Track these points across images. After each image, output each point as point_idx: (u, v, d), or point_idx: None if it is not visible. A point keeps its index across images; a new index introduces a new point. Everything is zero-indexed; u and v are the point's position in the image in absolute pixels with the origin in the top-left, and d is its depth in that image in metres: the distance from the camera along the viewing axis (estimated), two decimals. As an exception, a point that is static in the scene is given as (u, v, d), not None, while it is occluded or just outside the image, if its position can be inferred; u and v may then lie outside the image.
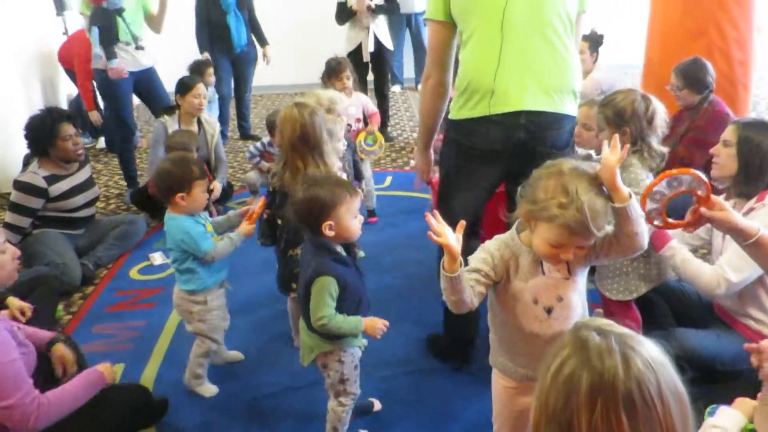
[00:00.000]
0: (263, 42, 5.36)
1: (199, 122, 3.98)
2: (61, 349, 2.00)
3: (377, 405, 2.20)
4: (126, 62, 4.02)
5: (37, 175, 3.15)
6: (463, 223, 1.41)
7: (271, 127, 3.72)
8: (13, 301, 2.21)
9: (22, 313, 2.19)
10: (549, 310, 1.46)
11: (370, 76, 5.20)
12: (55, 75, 5.61)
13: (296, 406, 2.24)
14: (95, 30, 3.89)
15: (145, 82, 4.19)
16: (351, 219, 1.74)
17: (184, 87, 3.88)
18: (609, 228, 1.40)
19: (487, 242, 1.52)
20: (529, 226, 1.41)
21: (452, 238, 1.35)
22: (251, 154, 3.94)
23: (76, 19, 5.70)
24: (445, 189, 2.19)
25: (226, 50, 5.10)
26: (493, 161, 2.01)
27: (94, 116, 5.28)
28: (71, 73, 5.41)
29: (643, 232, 1.39)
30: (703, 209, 1.53)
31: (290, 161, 2.21)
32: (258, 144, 3.96)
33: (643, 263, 2.12)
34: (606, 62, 4.29)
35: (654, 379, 0.79)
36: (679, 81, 3.29)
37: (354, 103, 3.69)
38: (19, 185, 3.15)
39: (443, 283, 1.38)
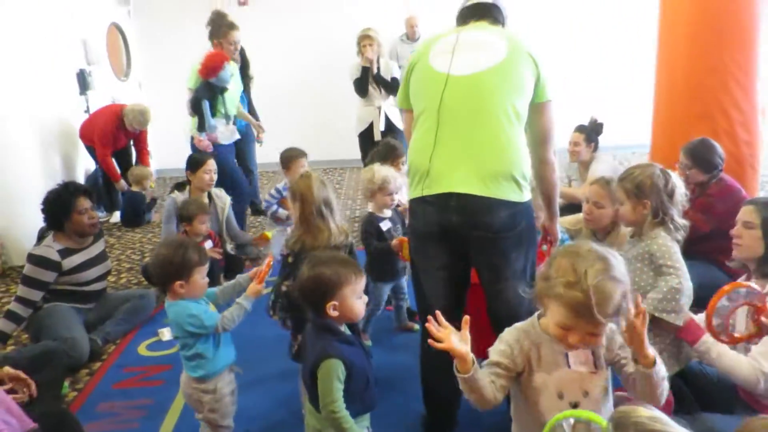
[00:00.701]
0: (257, 118, 5.47)
1: (210, 197, 4.05)
2: None
3: None
4: (225, 135, 4.55)
5: (51, 249, 3.17)
6: (467, 318, 1.38)
7: (286, 163, 3.91)
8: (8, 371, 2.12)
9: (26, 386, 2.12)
10: (575, 406, 1.39)
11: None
12: (74, 151, 5.75)
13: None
14: (206, 103, 4.37)
15: (238, 151, 4.89)
16: (355, 300, 1.73)
17: (195, 163, 3.99)
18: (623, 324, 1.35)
19: (506, 332, 1.49)
20: (543, 305, 1.39)
21: (455, 340, 1.31)
22: (268, 203, 3.99)
23: (98, 98, 5.93)
24: (414, 273, 2.21)
25: None
26: (436, 242, 2.04)
27: (121, 185, 5.58)
28: (91, 150, 5.57)
29: (663, 392, 1.36)
30: (764, 318, 1.59)
31: (313, 225, 2.25)
32: (273, 191, 3.98)
33: (676, 344, 2.10)
34: (609, 147, 4.35)
35: None
36: (687, 160, 3.33)
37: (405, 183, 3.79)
38: (32, 258, 3.16)
39: (461, 384, 1.35)
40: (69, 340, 3.03)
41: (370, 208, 3.03)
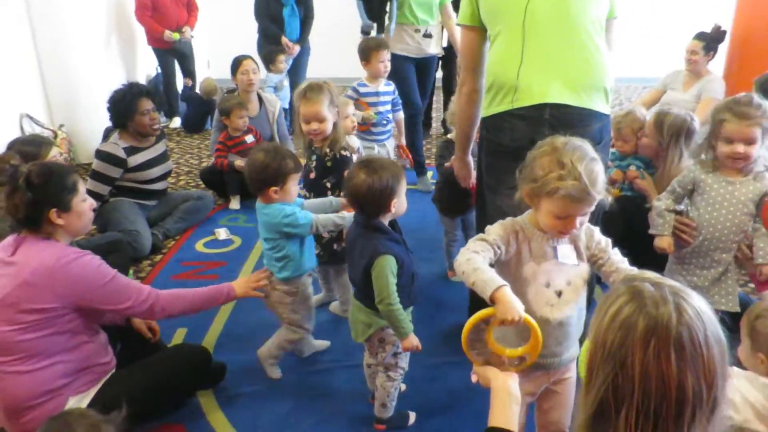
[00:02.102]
0: (300, 39, 5.23)
1: (260, 100, 4.12)
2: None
3: (412, 418, 2.12)
4: (409, 47, 4.00)
5: (117, 146, 3.33)
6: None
7: (366, 54, 3.45)
8: (140, 324, 2.23)
9: (152, 332, 2.24)
10: (559, 294, 1.50)
11: (439, 73, 5.21)
12: (135, 55, 5.87)
13: (347, 383, 2.30)
14: (360, 2, 4.02)
15: (423, 69, 4.12)
16: (404, 195, 1.85)
17: (233, 65, 4.05)
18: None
19: (505, 221, 1.55)
20: (533, 205, 1.47)
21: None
22: None
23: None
24: (480, 193, 2.19)
25: (279, 43, 5.16)
26: (520, 159, 1.99)
27: (167, 36, 5.48)
28: (157, 51, 5.66)
29: None
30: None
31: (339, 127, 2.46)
32: (348, 91, 3.54)
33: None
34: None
35: (702, 327, 0.88)
36: (759, 93, 3.17)
37: None
38: (101, 155, 3.33)
39: (477, 288, 1.37)
40: (133, 233, 3.23)
41: (451, 134, 2.90)
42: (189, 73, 5.91)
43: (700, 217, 2.21)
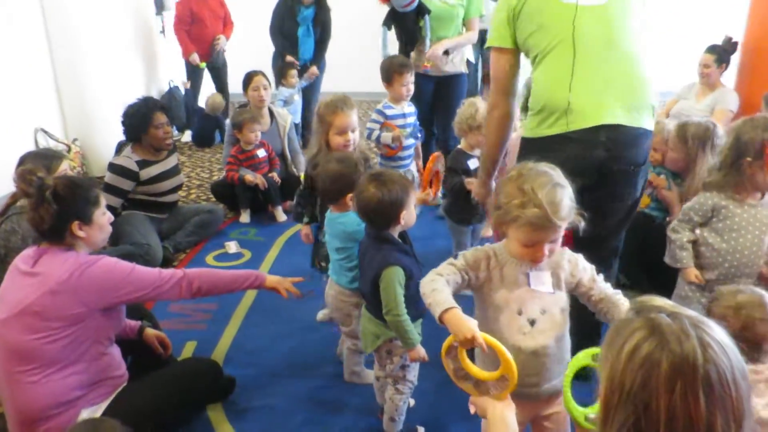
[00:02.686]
0: (315, 59, 5.22)
1: (272, 114, 4.17)
2: (152, 332, 2.22)
3: None
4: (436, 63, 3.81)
5: (130, 159, 3.38)
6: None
7: (388, 76, 3.25)
8: (151, 332, 2.24)
9: (163, 346, 2.23)
10: (533, 323, 1.47)
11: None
12: (149, 70, 5.94)
13: (357, 398, 2.30)
14: (384, 29, 3.88)
15: (444, 87, 3.90)
16: (413, 207, 1.88)
17: (244, 81, 4.12)
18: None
19: (483, 247, 1.55)
20: (502, 232, 1.46)
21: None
22: (370, 130, 3.33)
23: (173, 19, 6.06)
24: None
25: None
26: None
27: (194, 59, 5.71)
28: (189, 64, 5.79)
29: None
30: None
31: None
32: (374, 114, 3.35)
33: None
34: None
35: (728, 364, 0.82)
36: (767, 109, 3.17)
37: None
38: (113, 168, 3.37)
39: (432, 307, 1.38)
40: (144, 246, 3.26)
41: (461, 144, 2.91)
42: (221, 86, 5.99)
43: (725, 243, 2.14)
